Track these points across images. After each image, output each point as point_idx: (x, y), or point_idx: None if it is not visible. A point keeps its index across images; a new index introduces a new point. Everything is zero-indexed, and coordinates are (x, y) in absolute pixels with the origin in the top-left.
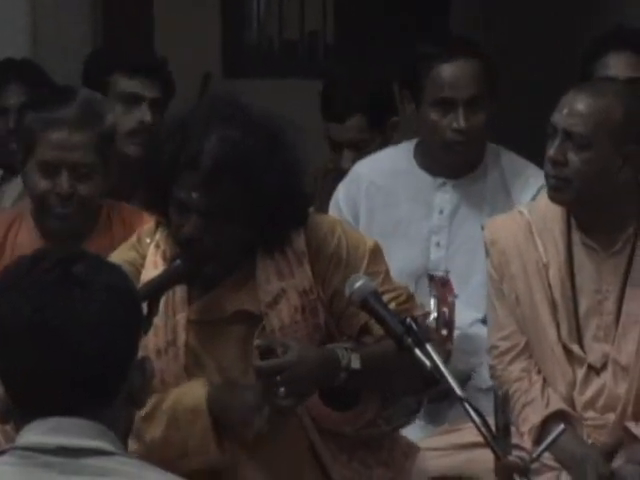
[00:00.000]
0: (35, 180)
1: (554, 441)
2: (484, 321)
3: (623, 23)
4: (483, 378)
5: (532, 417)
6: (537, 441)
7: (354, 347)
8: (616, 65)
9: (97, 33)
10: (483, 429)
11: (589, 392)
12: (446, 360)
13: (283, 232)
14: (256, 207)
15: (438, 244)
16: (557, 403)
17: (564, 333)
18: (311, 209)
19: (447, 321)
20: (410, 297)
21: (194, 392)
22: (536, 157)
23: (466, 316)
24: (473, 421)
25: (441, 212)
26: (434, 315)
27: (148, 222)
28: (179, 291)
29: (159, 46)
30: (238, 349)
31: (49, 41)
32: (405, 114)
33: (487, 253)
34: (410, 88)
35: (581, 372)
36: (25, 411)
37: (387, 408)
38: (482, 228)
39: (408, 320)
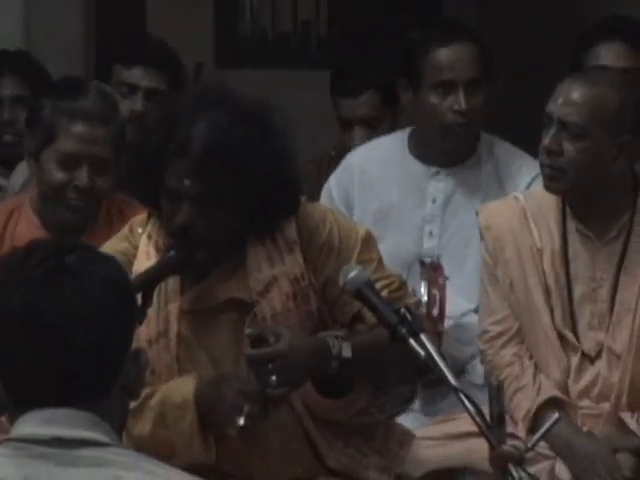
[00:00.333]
0: (52, 171)
1: (549, 430)
2: (477, 311)
3: (616, 13)
4: (478, 373)
5: (524, 403)
6: (531, 430)
7: (345, 335)
8: (607, 56)
9: (90, 25)
10: (477, 418)
11: (583, 381)
12: (438, 341)
13: (274, 219)
14: (247, 193)
15: (431, 233)
16: (549, 390)
17: (558, 319)
18: (303, 198)
19: (438, 302)
20: (402, 285)
21: (183, 387)
22: (535, 155)
23: (459, 305)
24: (467, 410)
25: (434, 201)
26: (425, 297)
27: (142, 213)
28: (172, 281)
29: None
30: (230, 337)
31: (42, 35)
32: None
33: (481, 238)
34: (407, 75)
35: (575, 360)
36: (20, 403)
37: (380, 396)
38: (477, 213)
39: (402, 310)
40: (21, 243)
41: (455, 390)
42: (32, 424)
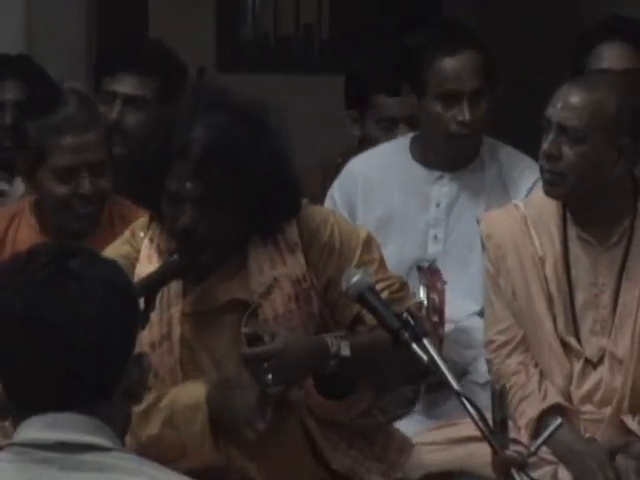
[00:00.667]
0: (52, 186)
1: (551, 435)
2: (481, 314)
3: (616, 13)
4: (480, 372)
5: (529, 411)
6: (534, 435)
7: (345, 335)
8: (610, 57)
9: (92, 29)
10: (480, 423)
11: (586, 386)
12: (438, 346)
13: (275, 220)
14: (247, 194)
15: (436, 237)
16: (554, 397)
17: (560, 326)
18: (305, 200)
19: (437, 307)
20: (403, 286)
21: (193, 390)
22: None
23: (464, 309)
24: (470, 415)
25: (438, 205)
26: (424, 302)
27: (144, 216)
28: (174, 285)
29: None
30: (232, 339)
31: (43, 37)
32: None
33: (483, 247)
34: (410, 81)
35: (578, 366)
36: (22, 407)
37: (382, 398)
38: (478, 222)
39: (405, 315)
40: (22, 248)
41: (458, 395)
42: (35, 429)
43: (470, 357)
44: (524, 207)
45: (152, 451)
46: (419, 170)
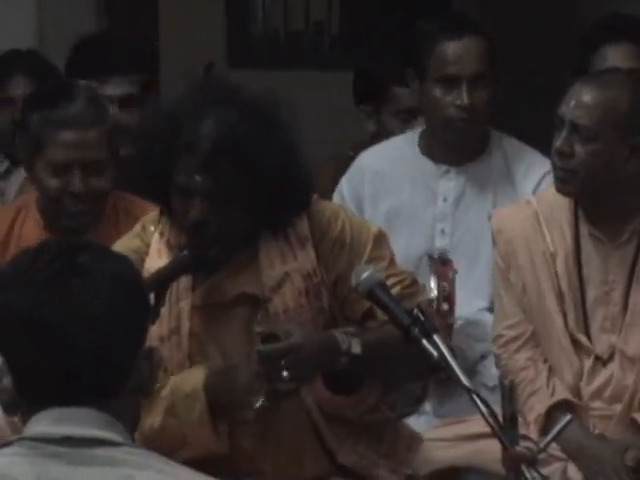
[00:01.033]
0: (46, 180)
1: (561, 431)
2: (490, 309)
3: (619, 12)
4: (490, 375)
5: (537, 406)
6: (543, 431)
7: (355, 332)
8: (614, 57)
9: (101, 24)
10: (490, 419)
11: (596, 382)
12: (448, 334)
13: (286, 214)
14: (257, 188)
15: (443, 231)
16: (562, 393)
17: (571, 323)
18: (315, 195)
19: (447, 296)
20: (414, 282)
21: (192, 377)
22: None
23: (471, 304)
24: (480, 411)
25: (445, 199)
26: (434, 291)
27: (150, 211)
28: (184, 279)
29: (164, 37)
30: (241, 333)
31: (53, 33)
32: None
33: (494, 242)
34: (414, 65)
35: (588, 362)
36: (31, 402)
37: (390, 394)
38: (489, 218)
39: (415, 311)
40: (27, 243)
41: (468, 391)
42: (44, 423)
43: (479, 351)
44: (536, 203)
45: (155, 441)
46: (427, 164)
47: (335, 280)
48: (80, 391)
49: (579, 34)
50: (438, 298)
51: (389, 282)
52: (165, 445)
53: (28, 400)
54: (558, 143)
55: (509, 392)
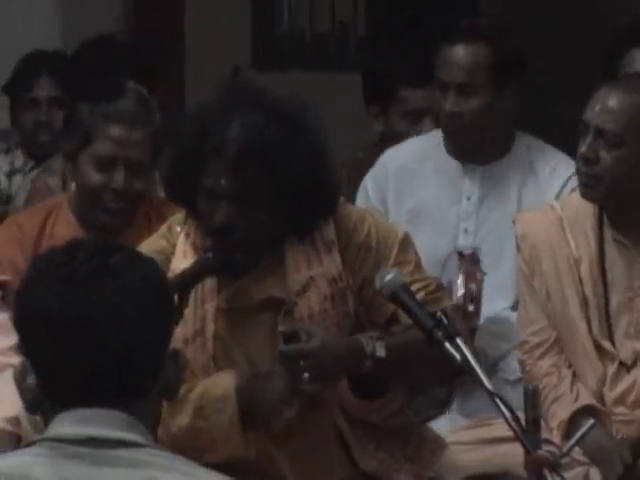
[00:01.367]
0: (89, 173)
1: (584, 436)
2: (513, 308)
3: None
4: (511, 370)
5: (560, 412)
6: (566, 436)
7: (380, 335)
8: None
9: (128, 25)
10: (513, 423)
11: (619, 388)
12: (470, 336)
13: (312, 218)
14: (284, 192)
15: (466, 230)
16: (586, 398)
17: (595, 329)
18: (341, 199)
19: (474, 297)
20: (439, 287)
21: (223, 382)
22: None
23: (494, 303)
24: (503, 415)
25: (469, 198)
26: (462, 291)
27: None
28: (209, 281)
29: (190, 38)
30: (266, 337)
31: (79, 34)
32: None
33: (518, 248)
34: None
35: (612, 368)
36: (56, 402)
37: (415, 398)
38: (513, 222)
39: (438, 314)
40: (59, 243)
41: (490, 394)
42: (67, 424)
43: (503, 349)
44: (560, 208)
45: (182, 442)
46: (451, 162)
47: (361, 284)
48: (106, 392)
49: (606, 34)
50: (465, 298)
51: (414, 287)
52: (191, 447)
53: (52, 400)
54: (583, 149)
55: (532, 396)
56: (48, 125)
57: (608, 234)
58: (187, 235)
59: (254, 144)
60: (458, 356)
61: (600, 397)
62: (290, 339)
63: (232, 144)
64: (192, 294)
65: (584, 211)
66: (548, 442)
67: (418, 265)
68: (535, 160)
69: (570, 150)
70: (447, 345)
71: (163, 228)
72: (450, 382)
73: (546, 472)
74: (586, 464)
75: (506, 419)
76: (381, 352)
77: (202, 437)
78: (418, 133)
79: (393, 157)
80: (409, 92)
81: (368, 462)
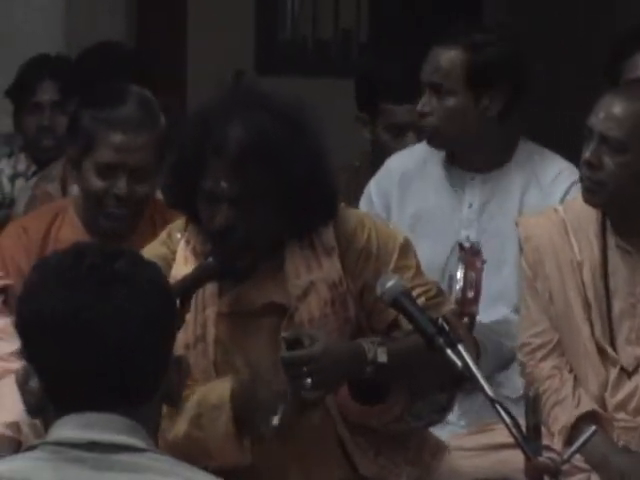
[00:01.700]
0: (92, 180)
1: (585, 443)
2: (515, 311)
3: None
4: (513, 387)
5: (562, 417)
6: (568, 442)
7: (381, 341)
8: None
9: (131, 30)
10: (514, 430)
11: (620, 394)
12: (472, 322)
13: (313, 221)
14: (285, 194)
15: (468, 238)
16: (588, 404)
17: (597, 332)
18: (342, 204)
19: (474, 283)
20: (440, 292)
21: (219, 388)
22: None
23: (496, 309)
24: (504, 422)
25: (470, 205)
26: (461, 277)
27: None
28: (210, 285)
29: (192, 43)
30: (267, 342)
31: (83, 38)
32: None
33: (521, 250)
34: None
35: (613, 373)
36: (60, 406)
37: (415, 403)
38: (516, 224)
39: (440, 320)
40: (65, 247)
41: (492, 401)
42: (69, 428)
43: (507, 348)
44: (563, 212)
45: (179, 451)
46: (454, 170)
47: (361, 290)
48: (109, 396)
49: (615, 37)
50: (464, 285)
51: (415, 292)
52: (188, 455)
53: (56, 404)
54: (587, 154)
55: (533, 402)
56: (51, 130)
57: (611, 240)
58: (187, 241)
59: (255, 145)
60: (459, 363)
61: (602, 401)
62: (292, 345)
63: (233, 144)
64: (193, 299)
65: (587, 216)
66: (549, 449)
67: (418, 270)
68: (538, 167)
69: (569, 151)
70: (448, 352)
71: (163, 235)
72: (451, 388)
73: (547, 479)
74: (587, 471)
75: (507, 425)
76: (383, 358)
77: (199, 446)
78: (402, 147)
79: (398, 163)
80: (395, 106)
81: (368, 467)
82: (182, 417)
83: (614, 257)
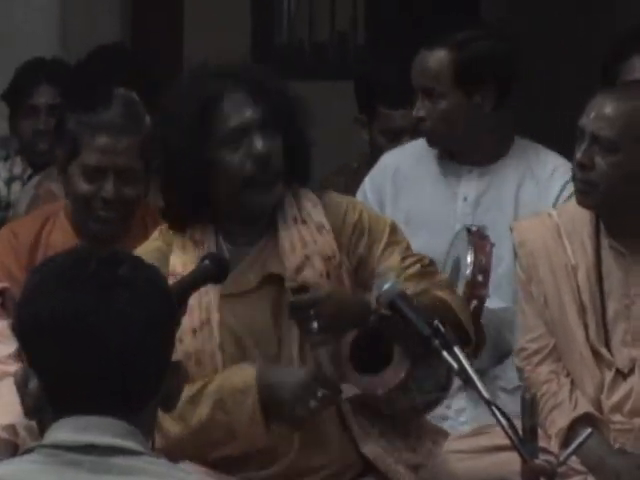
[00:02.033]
0: (78, 184)
1: (581, 445)
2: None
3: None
4: (509, 378)
5: (559, 420)
6: (564, 444)
7: None
8: None
9: (126, 33)
10: (510, 432)
11: (616, 396)
12: (481, 306)
13: (305, 172)
14: (291, 123)
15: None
16: (584, 406)
17: (592, 335)
18: (330, 190)
19: (483, 267)
20: (432, 262)
21: (243, 372)
22: None
23: (492, 302)
24: (500, 424)
25: (465, 199)
26: (471, 261)
27: None
28: None
29: (188, 46)
30: (271, 317)
31: (78, 40)
32: None
33: (515, 255)
34: None
35: (609, 376)
36: (59, 409)
37: (418, 369)
38: (510, 230)
39: (436, 322)
40: (55, 251)
41: (488, 403)
42: (65, 430)
43: (507, 340)
44: (557, 215)
45: (202, 436)
46: (450, 164)
47: (357, 265)
48: (109, 399)
49: (614, 37)
50: (474, 269)
51: (409, 261)
52: (213, 440)
53: (54, 406)
54: (578, 155)
55: (530, 405)
56: (47, 133)
57: (605, 242)
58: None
59: (267, 74)
60: (455, 365)
61: (598, 404)
62: (299, 293)
63: (248, 75)
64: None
65: (581, 218)
66: (545, 451)
67: (409, 245)
68: (534, 162)
69: (569, 151)
70: (444, 354)
71: (155, 233)
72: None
73: None
74: (583, 473)
75: (503, 427)
76: (387, 310)
77: (223, 429)
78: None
79: (392, 159)
80: (391, 110)
81: (370, 447)
82: (204, 402)
83: (608, 259)
